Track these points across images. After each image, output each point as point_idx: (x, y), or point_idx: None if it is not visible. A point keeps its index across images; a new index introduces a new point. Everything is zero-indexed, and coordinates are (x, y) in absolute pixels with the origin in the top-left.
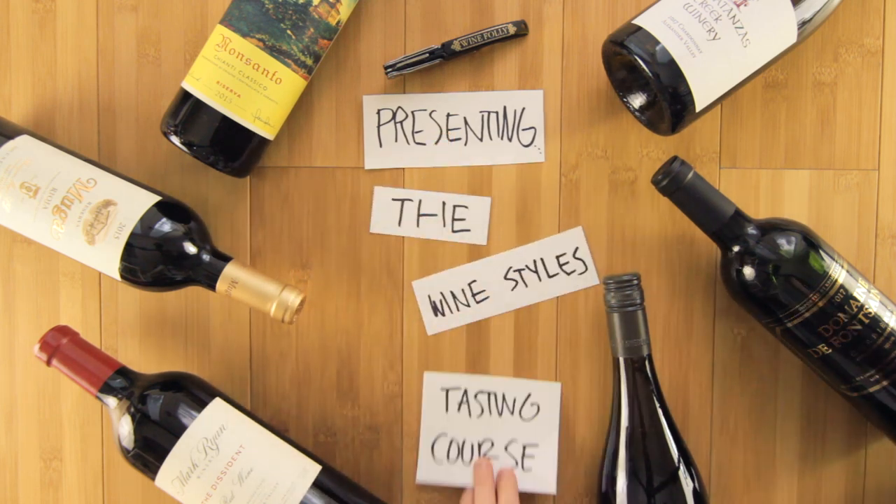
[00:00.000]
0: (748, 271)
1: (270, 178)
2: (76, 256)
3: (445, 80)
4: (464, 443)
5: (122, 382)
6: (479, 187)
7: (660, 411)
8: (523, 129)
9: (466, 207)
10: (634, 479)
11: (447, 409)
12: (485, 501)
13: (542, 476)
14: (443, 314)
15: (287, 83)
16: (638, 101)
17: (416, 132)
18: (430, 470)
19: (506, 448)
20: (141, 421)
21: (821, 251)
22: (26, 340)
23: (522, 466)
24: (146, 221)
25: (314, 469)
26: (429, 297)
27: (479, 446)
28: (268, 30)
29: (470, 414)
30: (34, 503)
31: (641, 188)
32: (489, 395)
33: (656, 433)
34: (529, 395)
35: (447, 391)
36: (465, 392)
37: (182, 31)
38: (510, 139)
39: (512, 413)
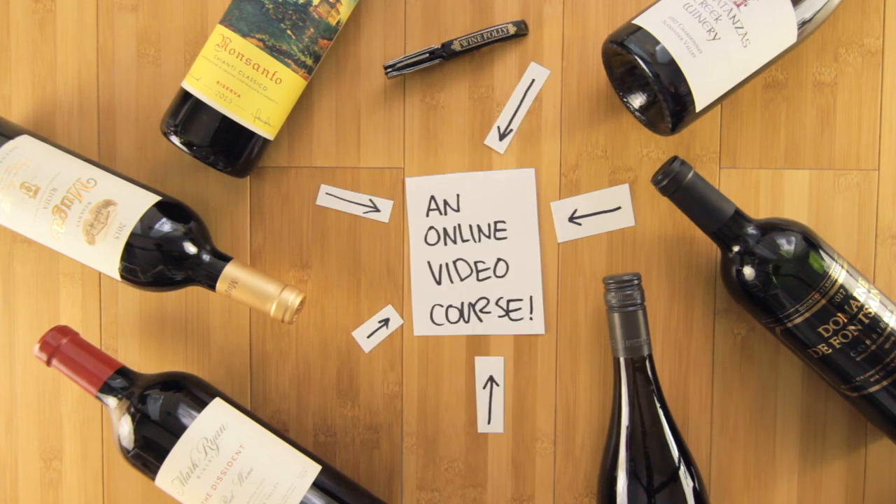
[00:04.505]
0: (748, 271)
1: (270, 178)
2: (76, 256)
3: (445, 80)
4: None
5: (122, 382)
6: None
7: (660, 411)
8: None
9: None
10: (635, 479)
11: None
12: None
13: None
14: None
15: (287, 83)
16: (638, 101)
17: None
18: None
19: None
20: (141, 421)
21: (821, 251)
22: (26, 340)
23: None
24: (146, 221)
25: (314, 469)
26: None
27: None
28: (268, 30)
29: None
30: (34, 503)
31: (641, 188)
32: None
33: (656, 433)
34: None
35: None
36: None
37: (182, 31)
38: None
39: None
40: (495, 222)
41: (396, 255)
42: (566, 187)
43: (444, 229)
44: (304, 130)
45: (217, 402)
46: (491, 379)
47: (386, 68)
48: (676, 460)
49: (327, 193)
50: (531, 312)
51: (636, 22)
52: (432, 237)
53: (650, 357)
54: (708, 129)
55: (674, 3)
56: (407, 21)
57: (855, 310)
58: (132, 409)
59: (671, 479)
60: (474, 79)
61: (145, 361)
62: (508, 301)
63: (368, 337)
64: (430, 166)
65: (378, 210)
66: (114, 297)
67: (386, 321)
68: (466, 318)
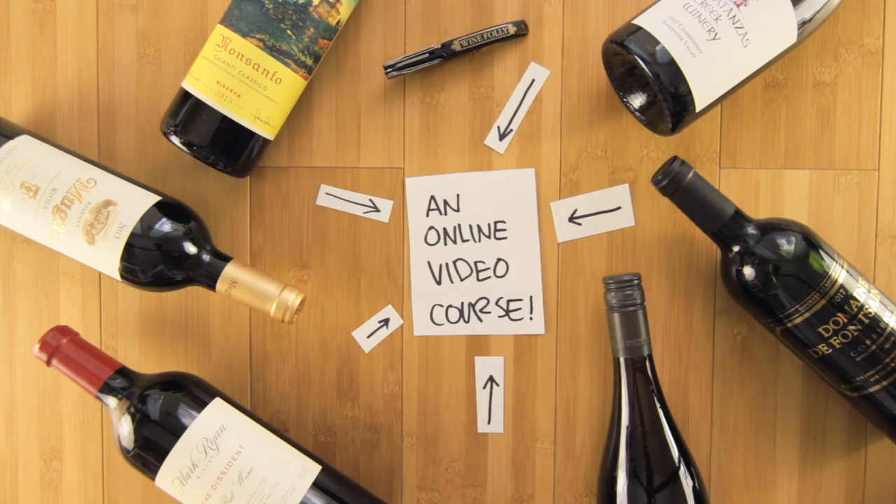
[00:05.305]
0: (748, 271)
1: (270, 178)
2: (76, 256)
3: (445, 80)
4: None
5: (122, 382)
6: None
7: (660, 411)
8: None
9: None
10: (635, 479)
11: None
12: None
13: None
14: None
15: (287, 83)
16: (638, 101)
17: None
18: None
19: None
20: (141, 421)
21: (821, 251)
22: (26, 340)
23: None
24: (146, 221)
25: (314, 469)
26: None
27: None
28: (268, 30)
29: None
30: (34, 503)
31: (641, 188)
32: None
33: (656, 433)
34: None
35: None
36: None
37: (182, 31)
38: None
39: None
40: (495, 222)
41: (396, 255)
42: (566, 187)
43: (444, 229)
44: (304, 130)
45: (217, 402)
46: (491, 379)
47: (386, 68)
48: (676, 460)
49: (327, 193)
50: (531, 312)
51: (636, 22)
52: (432, 237)
53: (650, 357)
54: (708, 129)
55: (674, 3)
56: (407, 21)
57: (855, 310)
58: (132, 409)
59: (671, 479)
60: (474, 79)
61: (145, 361)
62: (508, 301)
63: (368, 337)
64: (430, 166)
65: (378, 210)
66: (114, 297)
67: (386, 321)
68: (466, 318)
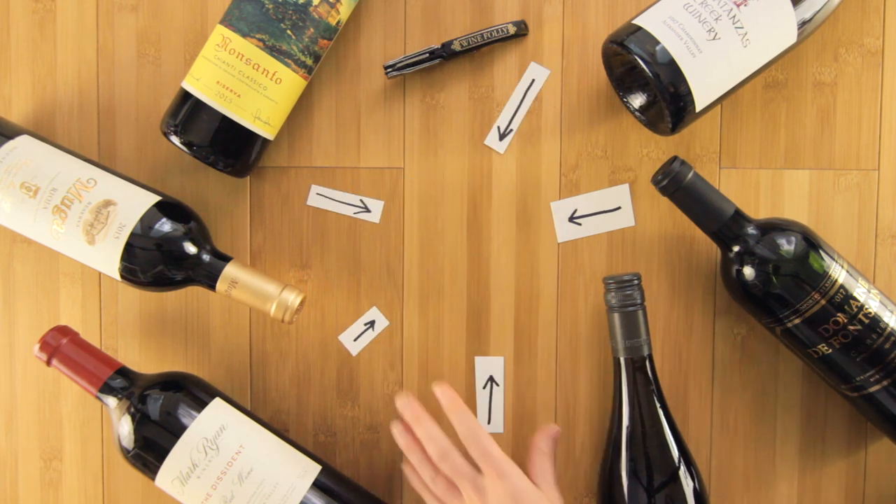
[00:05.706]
0: (748, 271)
1: (270, 178)
2: (76, 256)
3: (445, 80)
4: None
5: (122, 382)
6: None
7: (660, 411)
8: None
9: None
10: (635, 479)
11: None
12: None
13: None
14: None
15: (287, 83)
16: (638, 101)
17: None
18: None
19: None
20: (141, 421)
21: (821, 251)
22: (26, 340)
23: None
24: (146, 221)
25: (314, 469)
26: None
27: None
28: (268, 30)
29: None
30: (34, 503)
31: (641, 188)
32: None
33: (656, 433)
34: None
35: None
36: None
37: (182, 31)
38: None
39: None
40: None
41: (396, 255)
42: (566, 187)
43: None
44: (304, 130)
45: (217, 402)
46: (491, 379)
47: (386, 68)
48: (676, 460)
49: (318, 194)
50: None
51: (636, 22)
52: None
53: (650, 357)
54: (708, 129)
55: (674, 3)
56: (407, 21)
57: (855, 310)
58: (132, 409)
59: (671, 479)
60: (474, 79)
61: (145, 361)
62: None
63: (355, 340)
64: (430, 166)
65: (369, 210)
66: (114, 297)
67: (371, 323)
68: None
